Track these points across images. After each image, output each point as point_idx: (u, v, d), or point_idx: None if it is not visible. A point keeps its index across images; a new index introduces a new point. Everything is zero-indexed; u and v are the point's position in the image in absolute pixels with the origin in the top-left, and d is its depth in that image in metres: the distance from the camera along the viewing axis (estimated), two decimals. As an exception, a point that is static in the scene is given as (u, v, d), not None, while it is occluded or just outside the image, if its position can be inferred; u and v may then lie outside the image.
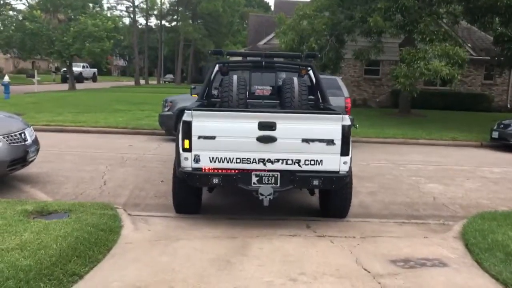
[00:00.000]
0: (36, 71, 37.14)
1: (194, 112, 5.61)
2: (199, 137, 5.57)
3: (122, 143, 12.58)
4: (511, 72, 26.64)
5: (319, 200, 6.74)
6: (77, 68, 47.20)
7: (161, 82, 62.10)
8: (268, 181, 5.65)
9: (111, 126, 15.07)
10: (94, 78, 55.38)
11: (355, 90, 26.38)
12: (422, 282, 4.07)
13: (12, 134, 7.19)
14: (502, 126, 14.66)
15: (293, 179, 5.64)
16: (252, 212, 6.42)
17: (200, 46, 56.42)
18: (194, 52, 59.89)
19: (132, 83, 53.07)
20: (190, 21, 56.04)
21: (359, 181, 8.67)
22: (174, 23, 64.00)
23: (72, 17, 33.29)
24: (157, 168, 9.39)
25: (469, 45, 25.00)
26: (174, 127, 12.43)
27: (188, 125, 5.57)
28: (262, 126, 5.55)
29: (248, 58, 7.90)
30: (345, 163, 5.69)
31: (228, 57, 9.15)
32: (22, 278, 3.44)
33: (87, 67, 54.83)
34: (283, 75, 7.52)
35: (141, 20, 65.62)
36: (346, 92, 12.99)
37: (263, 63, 7.28)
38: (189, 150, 5.61)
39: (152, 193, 7.64)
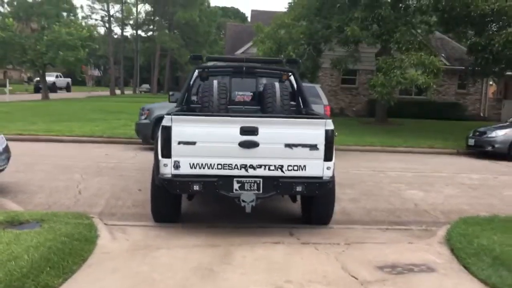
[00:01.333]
0: (8, 80, 36.21)
1: (174, 117, 5.44)
2: (179, 143, 5.39)
3: (97, 152, 12.26)
4: (483, 81, 27.24)
5: (301, 207, 6.62)
6: (50, 78, 46.18)
7: (137, 92, 61.42)
8: (250, 187, 5.49)
9: (86, 135, 14.71)
10: (68, 88, 54.31)
11: (332, 99, 26.49)
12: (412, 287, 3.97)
13: (-19, 141, 6.88)
14: (477, 133, 14.88)
15: (276, 185, 5.50)
16: (234, 220, 6.25)
17: (176, 56, 56.10)
18: (170, 62, 59.51)
19: (107, 93, 52.32)
20: (167, 31, 55.74)
21: (340, 188, 8.55)
22: (150, 33, 63.60)
23: (46, 25, 32.66)
24: (134, 177, 9.13)
25: (443, 55, 25.45)
26: (151, 135, 12.19)
27: (167, 131, 5.38)
28: (244, 131, 5.40)
29: (229, 63, 7.75)
30: (328, 168, 5.59)
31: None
32: (-10, 292, 3.21)
33: (60, 77, 53.75)
34: (264, 80, 7.40)
35: (117, 30, 64.94)
36: (325, 100, 12.98)
37: (244, 68, 7.15)
38: (168, 156, 5.41)
39: (130, 202, 7.40)
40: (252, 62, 7.57)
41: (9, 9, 34.31)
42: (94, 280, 3.89)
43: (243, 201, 5.41)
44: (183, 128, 5.40)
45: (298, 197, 6.62)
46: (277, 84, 6.86)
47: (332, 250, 5.05)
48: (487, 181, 10.44)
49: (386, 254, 4.91)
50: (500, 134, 14.30)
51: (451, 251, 4.95)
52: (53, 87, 47.67)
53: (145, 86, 68.96)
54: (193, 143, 5.40)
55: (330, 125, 5.57)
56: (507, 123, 15.73)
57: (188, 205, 6.81)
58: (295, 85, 7.29)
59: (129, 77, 76.49)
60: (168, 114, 5.48)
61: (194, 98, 7.40)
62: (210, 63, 8.00)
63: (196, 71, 7.13)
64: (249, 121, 5.50)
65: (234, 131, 5.39)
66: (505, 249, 4.67)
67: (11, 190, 7.74)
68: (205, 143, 5.41)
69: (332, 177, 5.71)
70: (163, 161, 5.43)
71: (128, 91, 62.29)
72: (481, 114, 27.91)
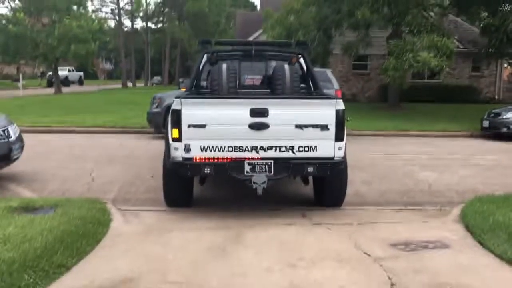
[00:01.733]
0: (21, 75, 36.54)
1: (183, 100, 5.43)
2: (189, 126, 5.38)
3: (110, 141, 12.34)
4: (497, 64, 26.79)
5: (313, 189, 6.59)
6: (63, 72, 46.48)
7: (148, 84, 61.57)
8: (261, 169, 5.46)
9: (98, 125, 14.81)
10: (80, 82, 54.67)
11: (344, 85, 26.29)
12: (425, 263, 3.92)
13: (-5, 130, 6.95)
14: (492, 115, 14.67)
15: (287, 167, 5.47)
16: (246, 203, 6.25)
17: (187, 46, 56.03)
18: (181, 53, 59.51)
19: (119, 86, 52.53)
20: (177, 22, 55.62)
21: (353, 171, 8.45)
22: (160, 25, 63.53)
23: (57, 19, 32.74)
24: (147, 165, 9.16)
25: (456, 37, 25.05)
26: (162, 124, 12.21)
27: (177, 114, 5.37)
28: (254, 112, 5.37)
29: (237, 47, 7.70)
30: (339, 148, 5.54)
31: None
32: (4, 270, 3.24)
33: (73, 71, 54.10)
34: (273, 64, 7.33)
35: (127, 23, 64.99)
36: (336, 85, 12.89)
37: (253, 51, 7.09)
38: (179, 139, 5.41)
39: (143, 189, 7.44)
40: (261, 46, 7.51)
41: (20, 4, 34.39)
42: (108, 259, 3.92)
43: (255, 183, 5.39)
44: (192, 111, 5.39)
45: (310, 180, 6.59)
46: (286, 67, 6.79)
47: (344, 230, 5.03)
48: (502, 161, 10.29)
49: (400, 232, 4.87)
50: (515, 115, 14.06)
51: (466, 228, 4.89)
52: (66, 81, 48.01)
53: (157, 78, 69.08)
54: (203, 126, 5.38)
55: (340, 105, 5.51)
56: (523, 104, 15.48)
57: (200, 190, 6.83)
58: (305, 68, 7.22)
59: (140, 69, 76.76)
60: (177, 97, 5.47)
61: (203, 83, 7.36)
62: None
63: (205, 55, 7.09)
64: (259, 103, 5.46)
65: (244, 113, 5.36)
66: (521, 225, 4.60)
67: (25, 178, 7.82)
68: (215, 126, 5.39)
69: (344, 158, 5.67)
70: (173, 144, 5.43)
71: (140, 84, 62.45)
72: (496, 97, 27.49)
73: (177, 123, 5.38)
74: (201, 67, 7.14)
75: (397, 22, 17.36)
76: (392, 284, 3.45)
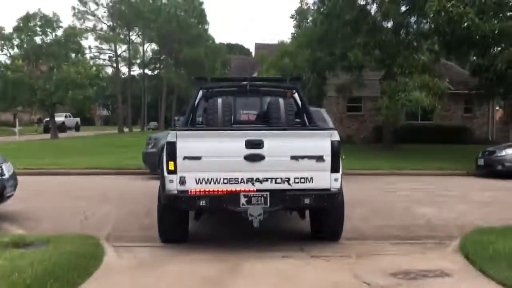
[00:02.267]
0: (17, 121, 36.73)
1: (178, 132, 5.44)
2: (184, 158, 5.36)
3: (104, 182, 12.26)
4: (489, 105, 27.17)
5: (310, 222, 6.48)
6: (59, 118, 46.67)
7: (145, 129, 61.86)
8: (257, 201, 5.41)
9: (93, 167, 14.73)
10: (77, 128, 54.83)
11: (339, 127, 26.40)
12: (427, 290, 3.82)
13: (-11, 168, 6.89)
14: (487, 153, 14.74)
15: (283, 198, 5.42)
16: (242, 238, 6.14)
17: (183, 92, 56.83)
18: (177, 99, 60.24)
19: (116, 131, 52.77)
20: (173, 68, 56.64)
21: (349, 207, 8.33)
22: (156, 72, 64.60)
23: (55, 66, 33.28)
24: (141, 203, 9.03)
25: (447, 80, 25.52)
26: (158, 164, 12.16)
27: (172, 146, 5.36)
28: (249, 144, 5.37)
29: (232, 83, 7.79)
30: (336, 180, 5.51)
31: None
32: (-9, 300, 3.13)
33: (69, 117, 54.38)
34: (268, 99, 7.40)
35: (124, 70, 66.11)
36: (331, 124, 12.93)
37: (248, 87, 7.18)
38: (174, 172, 5.37)
39: (137, 226, 7.32)
40: (256, 81, 7.61)
41: (18, 51, 35.04)
42: (100, 291, 3.80)
43: (251, 215, 5.32)
44: (188, 143, 5.38)
45: (307, 213, 6.51)
46: (281, 101, 6.86)
47: (343, 262, 4.93)
48: (499, 198, 10.24)
49: (399, 263, 4.77)
50: (510, 153, 14.13)
51: (466, 258, 4.81)
52: (63, 127, 48.09)
53: (153, 124, 69.48)
54: (199, 158, 5.36)
55: (335, 136, 5.53)
56: (517, 141, 15.59)
57: (196, 226, 6.72)
58: (299, 103, 7.28)
59: (136, 115, 77.37)
60: (172, 129, 5.48)
61: (199, 119, 7.41)
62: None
63: (200, 91, 7.16)
64: (254, 134, 5.48)
65: (239, 144, 5.36)
66: (522, 254, 4.52)
67: (18, 217, 7.69)
68: (211, 158, 5.37)
69: (340, 189, 5.64)
70: (168, 177, 5.39)
71: (136, 129, 62.82)
72: (489, 138, 27.70)
73: (172, 155, 5.36)
74: (196, 103, 7.19)
75: (389, 64, 17.72)
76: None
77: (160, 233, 6.04)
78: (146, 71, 63.76)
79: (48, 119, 40.56)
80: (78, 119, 56.05)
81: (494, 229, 5.96)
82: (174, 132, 5.41)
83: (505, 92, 19.16)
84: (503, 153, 14.27)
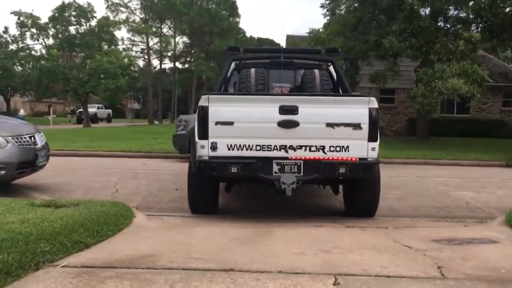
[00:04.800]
0: (51, 109, 37.54)
1: (211, 96, 5.29)
2: (216, 123, 5.20)
3: (135, 162, 12.28)
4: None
5: (344, 197, 6.26)
6: (92, 109, 47.58)
7: (174, 122, 62.37)
8: (290, 169, 5.20)
9: (124, 150, 14.82)
10: (108, 119, 55.76)
11: (371, 119, 25.96)
12: (474, 253, 3.55)
13: (22, 136, 6.93)
14: (528, 143, 14.11)
15: (318, 167, 5.20)
16: (273, 212, 5.97)
17: (213, 85, 57.01)
18: (207, 92, 60.44)
19: (146, 123, 53.40)
20: (204, 62, 56.70)
21: (385, 190, 8.12)
22: (187, 65, 64.90)
23: (89, 55, 33.81)
24: (171, 180, 9.01)
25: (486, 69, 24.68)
26: (188, 146, 12.09)
27: (204, 111, 5.22)
28: (283, 110, 5.17)
29: (266, 54, 7.58)
30: (373, 149, 5.26)
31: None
32: (20, 239, 3.04)
33: (102, 108, 55.37)
34: (302, 72, 7.18)
35: (155, 63, 66.63)
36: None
37: (282, 59, 6.97)
38: (205, 137, 5.23)
39: (166, 199, 7.25)
40: (290, 53, 7.39)
41: (53, 41, 35.75)
42: (129, 242, 3.70)
43: (283, 183, 5.12)
44: (220, 107, 5.23)
45: (340, 188, 6.27)
46: (316, 72, 6.63)
47: (380, 231, 4.69)
48: (543, 184, 9.75)
49: (441, 232, 4.51)
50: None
51: (514, 229, 4.49)
52: (95, 118, 49.00)
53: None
54: (231, 123, 5.20)
55: (374, 103, 5.28)
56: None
57: (226, 200, 6.60)
58: (334, 76, 7.03)
59: (166, 110, 78.14)
60: (205, 93, 5.34)
61: (231, 90, 7.24)
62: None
63: (233, 63, 6.99)
64: (289, 100, 5.28)
65: (273, 110, 5.16)
66: None
67: (50, 189, 7.74)
68: (243, 123, 5.20)
69: (377, 159, 5.38)
70: (200, 142, 5.25)
71: (166, 122, 63.41)
72: (529, 132, 26.64)
73: (204, 120, 5.22)
74: (228, 74, 7.03)
75: (426, 51, 17.16)
76: (439, 267, 3.09)
77: (190, 202, 5.90)
78: (177, 64, 64.18)
79: (81, 110, 41.38)
80: (110, 111, 57.00)
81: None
82: (206, 96, 5.27)
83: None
84: (546, 143, 13.61)
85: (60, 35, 34.71)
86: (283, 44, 46.15)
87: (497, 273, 2.98)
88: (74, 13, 34.74)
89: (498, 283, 2.79)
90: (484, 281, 2.81)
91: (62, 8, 34.76)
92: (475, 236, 4.23)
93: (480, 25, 16.64)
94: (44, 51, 34.76)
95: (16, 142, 6.72)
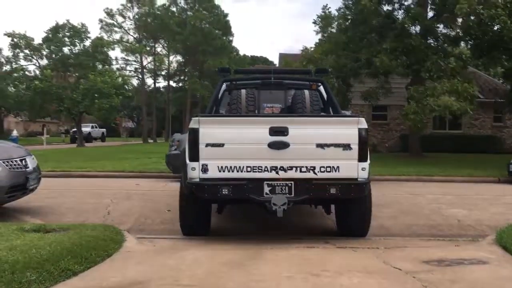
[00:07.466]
0: (45, 129, 37.44)
1: (201, 118, 5.31)
2: (207, 145, 5.22)
3: (128, 183, 12.23)
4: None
5: (336, 217, 6.26)
6: (86, 128, 47.53)
7: (169, 141, 62.28)
8: (281, 190, 5.21)
9: (118, 170, 14.78)
10: (102, 138, 55.67)
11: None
12: (463, 275, 3.56)
13: (13, 159, 6.90)
14: (519, 159, 14.19)
15: (309, 188, 5.21)
16: (264, 233, 5.96)
17: (207, 103, 57.12)
18: (201, 110, 60.60)
19: (141, 142, 53.31)
20: (197, 80, 56.94)
21: (377, 208, 8.14)
22: (181, 84, 65.13)
23: (82, 75, 33.89)
24: (164, 201, 8.96)
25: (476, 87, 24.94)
26: (181, 165, 12.08)
27: (195, 133, 5.24)
28: (274, 131, 5.20)
29: (257, 75, 7.65)
30: (363, 169, 5.28)
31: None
32: (6, 268, 3.02)
33: (96, 127, 55.30)
34: (293, 92, 7.24)
35: (149, 81, 66.85)
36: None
37: (272, 79, 7.03)
38: (196, 159, 5.24)
39: (158, 221, 7.23)
40: (280, 74, 7.46)
41: (47, 61, 35.82)
42: (118, 268, 3.67)
43: (274, 204, 5.13)
44: (210, 130, 5.26)
45: (332, 208, 6.28)
46: (307, 92, 6.69)
47: (371, 252, 4.69)
48: (534, 201, 9.79)
49: (432, 252, 4.51)
50: (544, 158, 13.57)
51: (504, 249, 4.50)
52: (89, 137, 48.92)
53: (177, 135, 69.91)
54: (221, 145, 5.22)
55: (363, 123, 5.32)
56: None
57: (218, 220, 6.58)
58: (325, 95, 7.09)
59: (161, 128, 78.16)
60: (195, 116, 5.37)
61: (222, 111, 7.28)
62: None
63: (224, 84, 7.05)
64: (279, 121, 5.32)
65: (263, 131, 5.20)
66: None
67: (41, 212, 7.70)
68: (234, 145, 5.23)
69: (368, 179, 5.40)
70: (190, 164, 5.26)
71: (161, 141, 63.35)
72: (521, 147, 26.83)
73: (194, 142, 5.24)
74: (219, 95, 7.07)
75: (417, 69, 17.34)
76: (428, 291, 3.10)
77: (181, 225, 5.90)
78: (171, 83, 64.37)
79: (75, 129, 41.29)
80: (104, 130, 56.94)
81: (533, 224, 5.62)
82: (197, 118, 5.30)
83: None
84: (537, 159, 13.70)
85: (54, 56, 34.81)
86: (276, 61, 46.53)
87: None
88: (68, 33, 34.89)
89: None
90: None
91: (56, 29, 34.93)
92: (465, 256, 4.23)
93: (470, 42, 16.85)
94: (38, 72, 34.81)
95: (6, 165, 6.69)
